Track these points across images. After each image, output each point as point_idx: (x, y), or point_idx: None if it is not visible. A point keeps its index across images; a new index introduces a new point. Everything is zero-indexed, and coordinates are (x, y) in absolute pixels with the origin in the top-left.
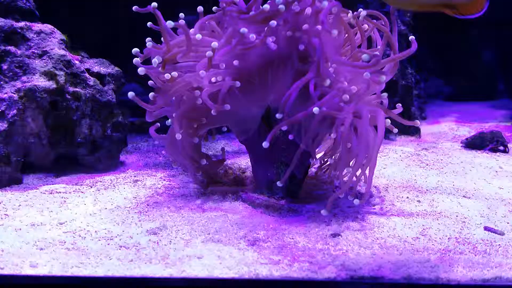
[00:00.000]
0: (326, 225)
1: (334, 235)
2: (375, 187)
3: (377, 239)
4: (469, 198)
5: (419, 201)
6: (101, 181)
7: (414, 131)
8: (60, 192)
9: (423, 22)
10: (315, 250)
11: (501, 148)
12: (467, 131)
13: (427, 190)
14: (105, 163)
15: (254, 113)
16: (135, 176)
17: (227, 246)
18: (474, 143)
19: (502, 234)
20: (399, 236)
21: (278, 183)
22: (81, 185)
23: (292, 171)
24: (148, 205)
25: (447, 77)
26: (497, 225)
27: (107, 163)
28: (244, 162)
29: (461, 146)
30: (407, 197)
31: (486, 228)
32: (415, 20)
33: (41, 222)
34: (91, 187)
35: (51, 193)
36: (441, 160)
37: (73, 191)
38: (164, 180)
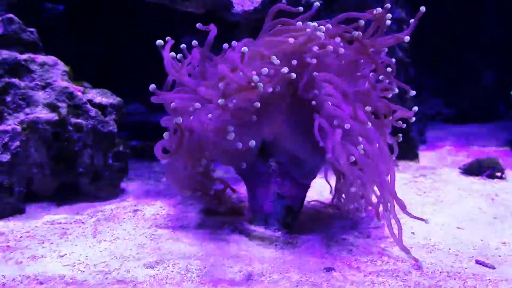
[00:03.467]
0: (320, 257)
1: (328, 269)
2: (370, 216)
3: (370, 273)
4: (463, 229)
5: (413, 233)
6: (101, 211)
7: (413, 156)
8: (61, 223)
9: (423, 44)
10: (308, 285)
11: (498, 174)
12: (465, 155)
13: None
14: (106, 192)
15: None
16: (135, 206)
17: (222, 281)
18: (472, 169)
19: (492, 267)
20: (391, 271)
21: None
22: (82, 214)
23: (288, 204)
24: (146, 237)
25: (448, 98)
26: (488, 258)
27: (108, 192)
28: (242, 189)
29: (459, 172)
30: (402, 229)
31: (477, 262)
32: (413, 43)
33: (42, 255)
34: (92, 217)
35: (52, 224)
36: (438, 187)
37: (74, 221)
38: (163, 209)
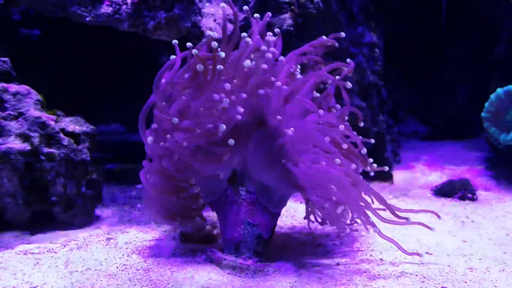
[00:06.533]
0: (290, 286)
1: None
2: (340, 242)
3: None
4: (431, 254)
5: (381, 259)
6: (74, 240)
7: (387, 177)
8: (34, 253)
9: (398, 62)
10: None
11: (470, 196)
12: (439, 176)
13: (391, 246)
14: (80, 220)
15: (220, 176)
16: (108, 234)
17: None
18: (444, 191)
19: None
20: None
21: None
22: (55, 243)
23: (259, 232)
24: (117, 267)
25: (423, 116)
26: (455, 285)
27: (82, 219)
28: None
29: (431, 193)
30: (371, 255)
31: None
32: (388, 62)
33: (14, 286)
34: (64, 247)
35: (25, 254)
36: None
37: (47, 251)
38: (136, 237)
